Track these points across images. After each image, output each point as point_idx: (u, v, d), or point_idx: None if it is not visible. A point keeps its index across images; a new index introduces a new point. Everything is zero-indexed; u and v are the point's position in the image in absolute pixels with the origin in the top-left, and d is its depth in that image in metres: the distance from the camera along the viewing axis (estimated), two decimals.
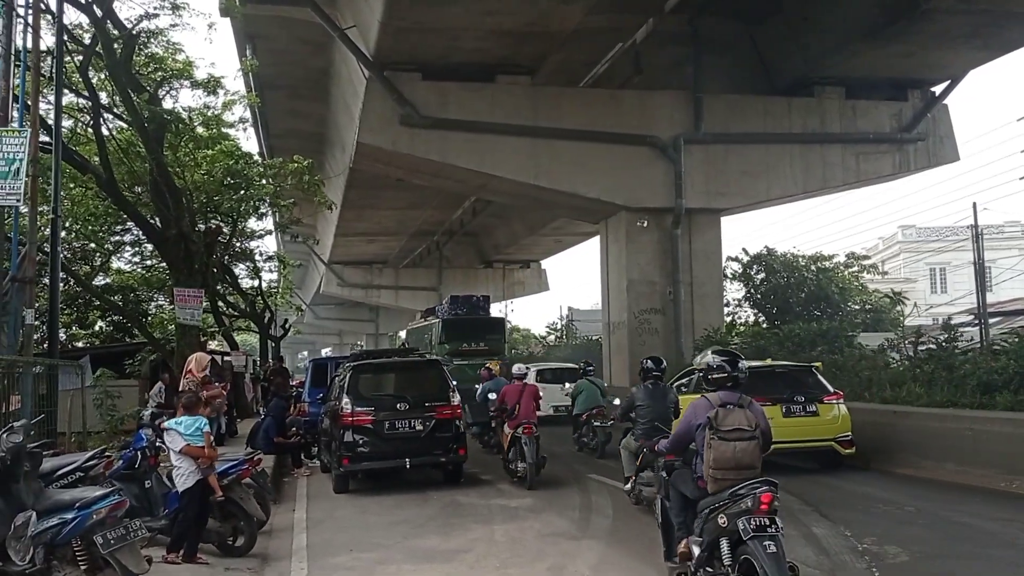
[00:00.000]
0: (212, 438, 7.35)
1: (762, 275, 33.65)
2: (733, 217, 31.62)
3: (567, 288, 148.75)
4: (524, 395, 11.83)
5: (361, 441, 10.86)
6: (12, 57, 8.99)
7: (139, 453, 7.74)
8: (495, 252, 47.76)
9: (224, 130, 20.78)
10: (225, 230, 19.60)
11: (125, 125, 18.70)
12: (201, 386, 10.74)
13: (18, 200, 8.65)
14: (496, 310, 61.90)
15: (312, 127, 30.81)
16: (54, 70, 11.49)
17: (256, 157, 20.17)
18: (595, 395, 15.62)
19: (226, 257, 25.48)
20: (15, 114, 9.45)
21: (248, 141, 64.03)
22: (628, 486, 9.38)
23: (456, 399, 11.47)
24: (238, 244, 26.53)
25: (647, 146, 22.04)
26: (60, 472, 6.95)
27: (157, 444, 7.83)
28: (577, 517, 8.92)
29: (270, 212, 25.26)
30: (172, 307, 30.14)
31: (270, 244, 37.46)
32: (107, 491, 5.78)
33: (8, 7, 8.83)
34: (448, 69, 21.11)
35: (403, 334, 41.75)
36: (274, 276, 35.11)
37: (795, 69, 22.70)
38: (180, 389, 11.14)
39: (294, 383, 22.32)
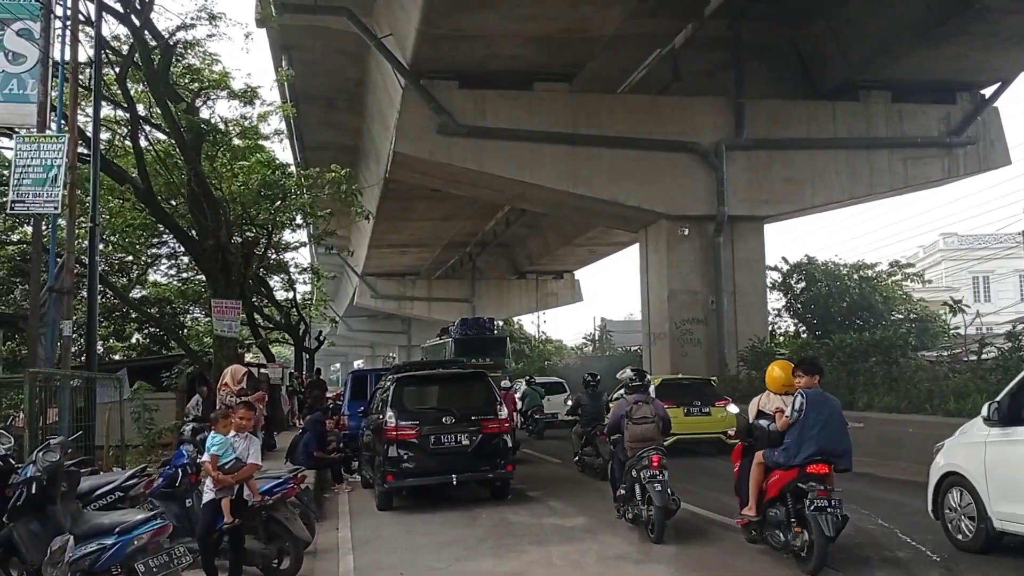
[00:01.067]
0: (223, 461, 6.83)
1: (802, 284, 32.98)
2: (769, 226, 31.07)
3: (600, 298, 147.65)
4: (506, 400, 14.57)
5: (406, 456, 10.45)
6: (50, 62, 8.79)
7: (180, 470, 7.40)
8: (528, 263, 47.39)
9: (259, 142, 20.68)
10: (262, 241, 19.40)
11: (162, 136, 18.63)
12: (238, 397, 10.48)
13: (56, 208, 8.42)
14: (528, 321, 62.10)
15: (346, 139, 30.69)
16: (93, 80, 11.31)
17: (292, 168, 19.91)
18: (535, 397, 23.87)
19: (261, 269, 25.33)
20: (53, 125, 9.23)
21: (284, 153, 64.08)
22: (576, 458, 13.96)
23: (504, 412, 11.06)
24: (273, 256, 26.40)
25: (688, 153, 21.61)
26: (99, 492, 6.60)
27: (198, 460, 7.49)
28: (637, 539, 8.43)
29: (305, 224, 25.09)
30: (208, 319, 30.23)
31: (303, 256, 37.37)
32: (149, 515, 5.42)
33: (46, 11, 8.65)
34: (485, 77, 20.86)
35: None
36: (307, 288, 35.07)
37: (839, 73, 22.16)
38: (217, 402, 10.88)
39: (330, 395, 22.07)
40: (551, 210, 26.99)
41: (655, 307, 22.85)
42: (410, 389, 11.14)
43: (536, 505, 10.67)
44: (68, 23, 9.49)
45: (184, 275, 27.88)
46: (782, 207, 22.38)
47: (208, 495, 6.64)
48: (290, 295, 32.15)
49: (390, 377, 11.80)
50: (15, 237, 20.52)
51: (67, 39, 9.86)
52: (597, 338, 44.73)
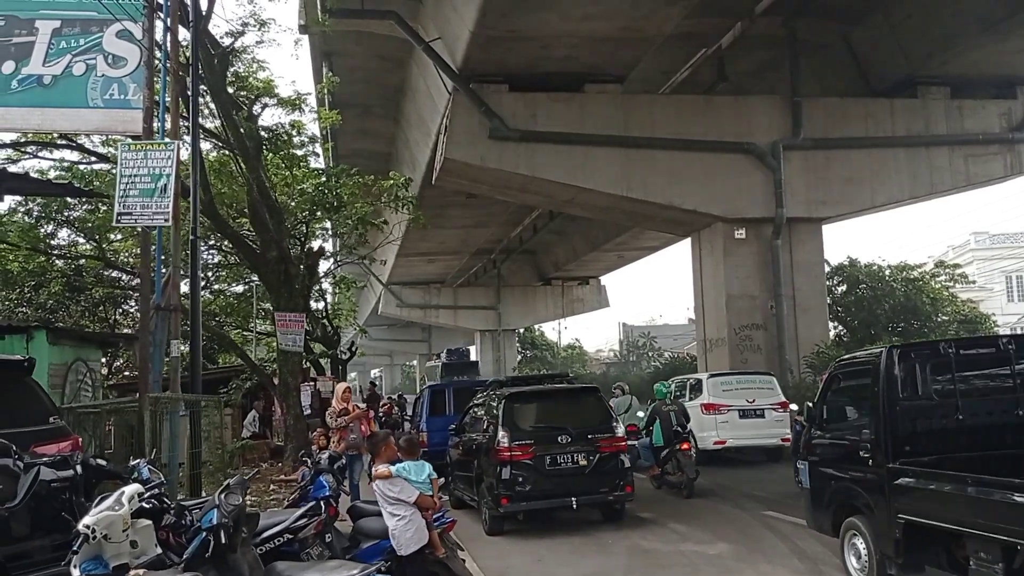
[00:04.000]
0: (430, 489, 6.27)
1: (843, 287, 32.42)
2: None
3: (622, 303, 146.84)
4: None
5: (520, 478, 9.84)
6: (153, 62, 8.24)
7: (321, 503, 6.78)
8: (554, 269, 46.79)
9: (296, 151, 20.17)
10: (328, 251, 18.89)
11: (206, 146, 18.11)
12: (338, 417, 9.95)
13: (166, 220, 7.89)
14: (549, 328, 61.63)
15: (380, 146, 30.19)
16: (191, 87, 10.76)
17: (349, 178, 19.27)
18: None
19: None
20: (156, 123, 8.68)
21: (317, 160, 63.91)
22: None
23: (620, 430, 10.44)
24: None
25: (744, 154, 21.06)
26: (266, 534, 5.94)
27: (339, 491, 6.91)
28: (803, 568, 7.80)
29: (339, 233, 24.53)
30: (237, 331, 29.67)
31: (327, 265, 36.65)
32: (368, 568, 4.74)
33: (150, 10, 8.12)
34: (535, 79, 20.32)
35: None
36: (330, 299, 34.43)
37: (896, 69, 21.61)
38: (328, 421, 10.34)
39: (384, 406, 21.59)
40: (601, 215, 26.40)
41: (711, 313, 22.25)
42: (520, 406, 10.51)
43: (659, 529, 10.03)
44: (168, 24, 8.95)
45: (215, 287, 27.37)
46: (841, 208, 21.79)
47: (424, 535, 6.00)
48: (320, 305, 31.62)
49: (492, 393, 11.19)
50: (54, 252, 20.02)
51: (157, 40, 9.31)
52: (640, 345, 44.08)
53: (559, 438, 10.07)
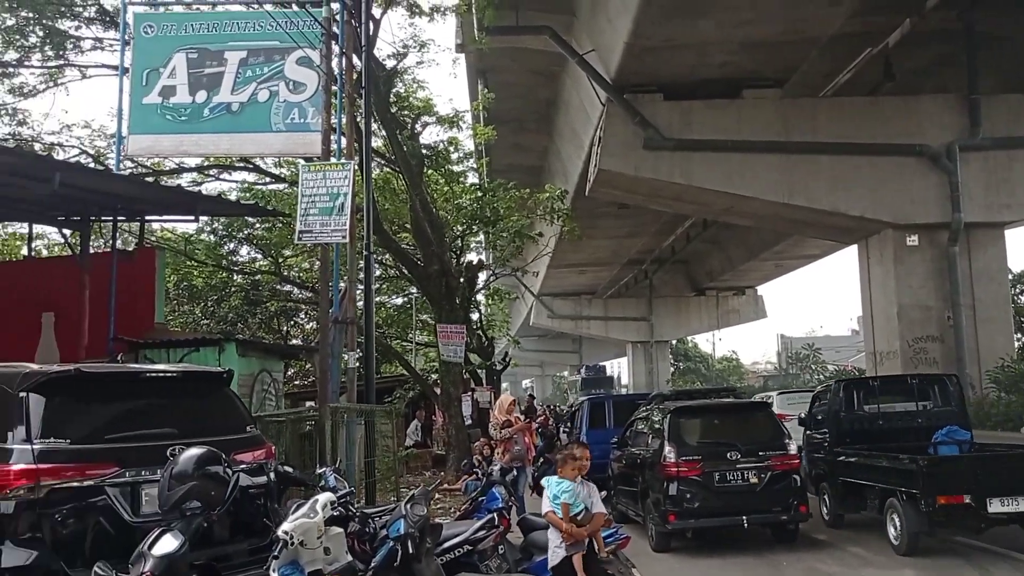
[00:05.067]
0: (574, 511, 6.07)
1: None
2: None
3: (780, 314, 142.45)
4: None
5: (688, 495, 9.65)
6: (330, 87, 8.68)
7: (494, 515, 6.86)
8: (707, 279, 45.81)
9: (454, 167, 20.67)
10: (486, 263, 19.31)
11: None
12: (502, 429, 10.06)
13: (344, 236, 8.25)
14: (703, 340, 60.50)
15: (532, 160, 30.52)
16: (363, 106, 11.26)
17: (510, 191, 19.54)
18: None
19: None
20: (334, 146, 9.13)
21: (473, 176, 65.86)
22: None
23: (793, 448, 10.09)
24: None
25: (915, 156, 19.94)
26: (447, 545, 6.07)
27: (510, 504, 6.97)
28: None
29: (505, 245, 24.95)
30: (396, 341, 30.70)
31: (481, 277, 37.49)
32: None
33: (327, 37, 8.56)
34: (690, 87, 20.07)
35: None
36: (485, 310, 35.09)
37: None
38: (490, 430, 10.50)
39: (540, 416, 21.76)
40: (760, 223, 25.68)
41: (880, 324, 21.13)
42: (687, 420, 10.33)
43: (837, 552, 9.58)
44: (344, 50, 9.42)
45: (376, 300, 28.36)
46: None
47: (559, 555, 5.97)
48: (474, 316, 32.29)
49: (655, 407, 11.06)
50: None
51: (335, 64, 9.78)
52: (802, 357, 42.53)
53: (728, 454, 9.81)
